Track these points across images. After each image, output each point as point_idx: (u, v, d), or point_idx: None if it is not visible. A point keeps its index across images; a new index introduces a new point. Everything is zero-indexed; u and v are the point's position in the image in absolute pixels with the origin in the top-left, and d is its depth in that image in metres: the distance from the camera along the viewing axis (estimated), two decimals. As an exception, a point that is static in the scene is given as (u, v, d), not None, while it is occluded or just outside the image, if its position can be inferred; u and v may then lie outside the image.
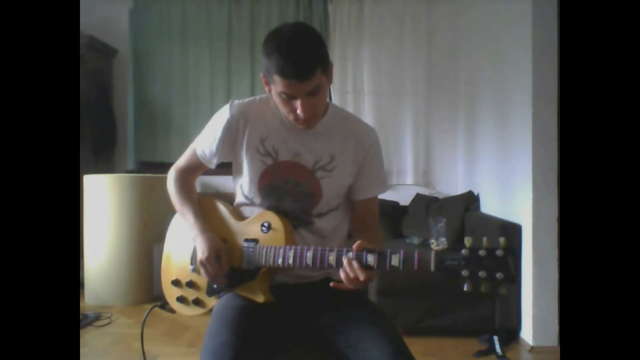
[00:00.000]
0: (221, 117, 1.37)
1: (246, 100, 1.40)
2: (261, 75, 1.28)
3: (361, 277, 1.14)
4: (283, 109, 1.27)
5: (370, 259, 1.15)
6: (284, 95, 1.22)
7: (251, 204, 1.39)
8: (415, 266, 1.11)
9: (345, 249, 1.19)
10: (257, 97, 1.41)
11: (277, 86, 1.21)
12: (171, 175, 1.48)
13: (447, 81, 4.11)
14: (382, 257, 1.14)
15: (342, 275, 1.17)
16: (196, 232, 1.34)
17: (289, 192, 1.35)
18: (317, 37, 1.23)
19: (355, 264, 1.15)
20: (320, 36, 1.25)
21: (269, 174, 1.35)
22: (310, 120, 1.27)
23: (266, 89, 1.30)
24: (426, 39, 4.12)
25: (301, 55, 1.17)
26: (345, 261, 1.16)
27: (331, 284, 1.20)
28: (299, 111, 1.23)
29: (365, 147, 1.38)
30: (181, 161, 1.49)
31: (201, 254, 1.30)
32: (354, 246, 1.16)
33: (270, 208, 1.35)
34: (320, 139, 1.35)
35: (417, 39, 4.11)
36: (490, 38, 3.32)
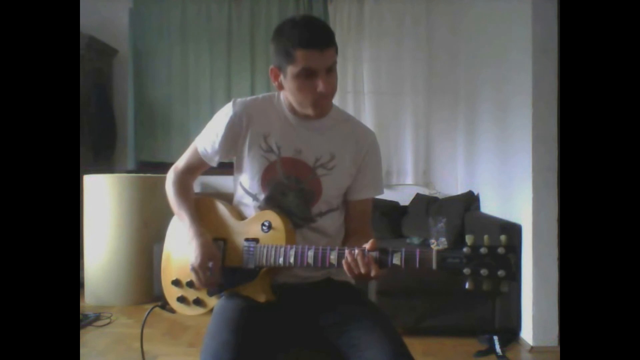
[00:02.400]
0: (224, 115, 1.38)
1: (249, 98, 1.40)
2: (271, 68, 1.30)
3: (373, 272, 1.14)
4: (300, 94, 1.27)
5: (372, 256, 1.15)
6: (303, 73, 1.23)
7: (254, 199, 1.39)
8: (417, 264, 1.11)
9: (346, 249, 1.19)
10: (261, 95, 1.42)
11: (296, 65, 1.22)
12: (170, 177, 1.47)
13: (447, 81, 4.11)
14: (384, 256, 1.15)
15: (347, 268, 1.17)
16: (192, 235, 1.34)
17: (291, 188, 1.35)
18: (327, 24, 1.30)
19: (367, 258, 1.14)
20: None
21: (272, 169, 1.35)
22: (329, 100, 1.31)
23: (275, 84, 1.31)
24: (426, 39, 4.12)
25: (320, 28, 1.25)
26: (358, 255, 1.15)
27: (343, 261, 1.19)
28: (320, 88, 1.24)
29: (364, 149, 1.40)
30: (180, 162, 1.48)
31: (194, 259, 1.29)
32: (368, 244, 1.16)
33: (273, 203, 1.35)
34: (322, 138, 1.36)
35: (417, 39, 4.11)
36: (490, 38, 3.32)
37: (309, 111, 1.31)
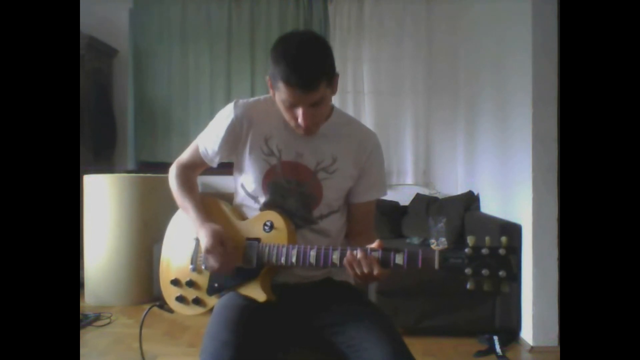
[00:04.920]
0: (225, 117, 1.37)
1: (251, 100, 1.40)
2: (267, 78, 1.29)
3: (375, 271, 1.15)
4: (285, 115, 1.28)
5: (375, 256, 1.16)
6: (286, 103, 1.23)
7: (255, 201, 1.39)
8: (420, 265, 1.12)
9: (348, 248, 1.20)
10: (262, 96, 1.41)
11: (281, 93, 1.22)
12: (173, 170, 1.48)
13: (447, 81, 4.11)
14: (386, 255, 1.15)
15: (349, 267, 1.18)
16: (198, 224, 1.34)
17: (292, 191, 1.35)
18: (325, 49, 1.23)
19: (370, 257, 1.16)
20: (328, 47, 1.25)
21: (273, 173, 1.35)
22: (311, 129, 1.28)
23: (271, 92, 1.30)
24: (426, 39, 4.12)
25: (307, 67, 1.18)
26: (360, 255, 1.17)
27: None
28: (299, 120, 1.24)
29: (367, 151, 1.39)
30: (184, 156, 1.49)
31: (206, 244, 1.29)
32: (376, 244, 1.18)
33: (274, 206, 1.35)
34: (323, 141, 1.36)
35: (417, 39, 4.11)
36: (490, 38, 3.32)
37: (295, 130, 1.30)
